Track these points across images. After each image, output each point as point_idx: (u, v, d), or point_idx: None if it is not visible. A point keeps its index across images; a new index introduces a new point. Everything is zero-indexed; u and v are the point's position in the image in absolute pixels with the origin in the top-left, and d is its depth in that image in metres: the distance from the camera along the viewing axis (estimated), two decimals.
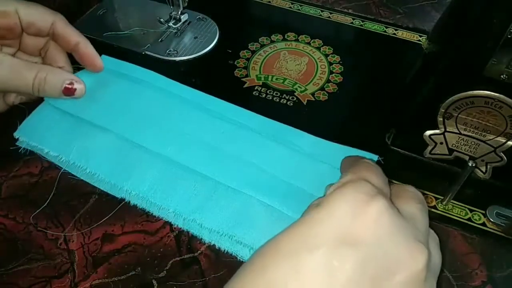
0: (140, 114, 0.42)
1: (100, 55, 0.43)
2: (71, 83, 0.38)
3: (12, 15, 0.38)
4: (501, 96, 0.34)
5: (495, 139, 0.37)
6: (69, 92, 0.38)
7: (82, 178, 0.39)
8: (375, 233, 0.19)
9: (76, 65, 0.46)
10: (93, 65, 0.42)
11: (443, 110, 0.37)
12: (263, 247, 0.20)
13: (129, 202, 0.38)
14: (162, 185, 0.37)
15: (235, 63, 0.51)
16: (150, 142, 0.40)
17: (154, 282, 0.34)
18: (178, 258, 0.36)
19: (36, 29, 0.39)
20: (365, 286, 0.18)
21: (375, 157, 0.40)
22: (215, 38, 0.54)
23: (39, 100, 0.42)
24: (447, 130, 0.39)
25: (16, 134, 0.41)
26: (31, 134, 0.41)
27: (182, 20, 0.55)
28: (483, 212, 0.38)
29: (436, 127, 0.39)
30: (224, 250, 0.35)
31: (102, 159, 0.39)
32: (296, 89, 0.48)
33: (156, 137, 0.40)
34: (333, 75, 0.50)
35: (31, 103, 0.43)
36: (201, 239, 0.36)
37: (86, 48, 0.42)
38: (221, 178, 0.38)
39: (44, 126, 0.41)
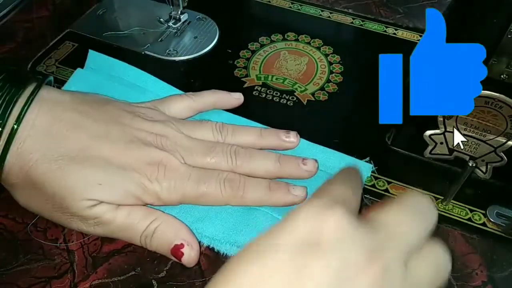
0: None
1: None
2: (182, 245, 0.33)
3: None
4: (501, 96, 0.34)
5: (495, 139, 0.37)
6: (175, 254, 0.33)
7: None
8: (335, 239, 0.20)
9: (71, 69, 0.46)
10: (231, 104, 0.44)
11: None
12: (238, 253, 0.21)
13: None
14: None
15: (235, 63, 0.51)
16: None
17: (154, 282, 0.34)
18: None
19: None
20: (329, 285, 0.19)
21: (370, 167, 0.40)
22: (215, 38, 0.53)
23: None
24: (447, 130, 0.39)
25: None
26: None
27: (182, 20, 0.55)
28: (483, 212, 0.38)
29: (436, 127, 0.39)
30: (224, 253, 0.35)
31: None
32: (296, 89, 0.48)
33: None
34: (333, 75, 0.50)
35: None
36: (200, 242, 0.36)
37: (222, 97, 0.44)
38: None
39: None
